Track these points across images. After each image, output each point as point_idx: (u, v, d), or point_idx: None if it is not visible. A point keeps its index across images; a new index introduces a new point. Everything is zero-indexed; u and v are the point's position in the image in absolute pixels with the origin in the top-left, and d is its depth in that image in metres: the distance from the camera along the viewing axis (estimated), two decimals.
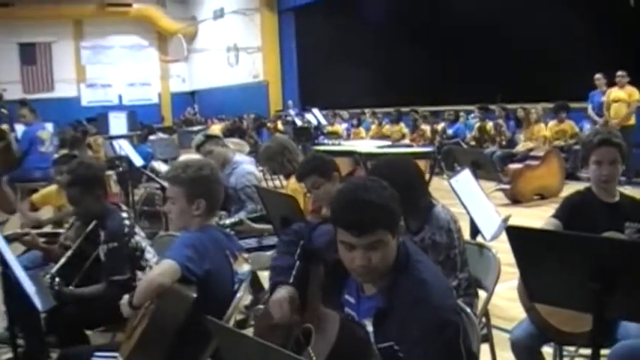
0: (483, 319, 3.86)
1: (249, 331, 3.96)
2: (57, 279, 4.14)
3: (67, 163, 5.53)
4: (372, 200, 2.39)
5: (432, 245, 3.58)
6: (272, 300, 2.80)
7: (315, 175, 4.61)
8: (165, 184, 6.11)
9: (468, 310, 3.07)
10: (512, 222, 3.96)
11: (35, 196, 6.63)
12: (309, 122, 17.83)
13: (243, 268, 3.53)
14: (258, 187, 5.28)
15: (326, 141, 14.68)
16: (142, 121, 21.83)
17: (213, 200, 3.53)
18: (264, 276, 4.89)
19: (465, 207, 4.42)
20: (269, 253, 5.34)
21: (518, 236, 2.39)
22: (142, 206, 8.42)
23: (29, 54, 30.43)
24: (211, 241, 3.39)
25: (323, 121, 17.69)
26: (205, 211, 3.48)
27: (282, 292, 2.80)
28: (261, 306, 3.72)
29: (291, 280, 2.84)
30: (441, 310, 2.37)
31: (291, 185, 5.55)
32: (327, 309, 2.64)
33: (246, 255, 3.67)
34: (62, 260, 4.35)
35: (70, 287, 4.21)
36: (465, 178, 4.65)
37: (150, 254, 4.34)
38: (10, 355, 4.74)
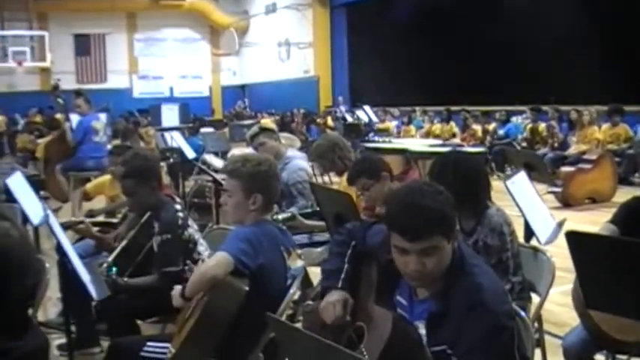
0: (535, 324, 3.82)
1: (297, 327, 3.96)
2: (114, 269, 4.21)
3: (122, 154, 5.61)
4: (427, 206, 2.37)
5: (484, 248, 3.54)
6: (324, 303, 2.80)
7: (363, 178, 4.62)
8: (218, 176, 6.19)
9: (523, 314, 3.04)
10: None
11: (89, 186, 6.74)
12: (359, 119, 17.79)
13: (297, 263, 3.54)
14: (312, 184, 5.29)
15: (376, 138, 14.62)
16: (195, 114, 22.04)
17: (269, 196, 3.55)
18: (314, 272, 4.90)
19: (520, 209, 4.37)
20: (319, 249, 5.35)
21: (578, 241, 2.36)
22: (192, 198, 8.47)
23: (83, 45, 30.89)
24: (266, 235, 3.41)
25: (374, 118, 17.62)
26: (261, 206, 3.51)
27: (335, 295, 2.80)
28: (310, 302, 3.73)
29: (339, 285, 2.84)
30: (497, 315, 2.35)
31: (344, 182, 5.54)
32: (380, 308, 2.64)
33: (299, 251, 3.67)
34: (116, 250, 4.41)
35: (125, 278, 4.26)
36: (520, 180, 4.59)
37: (202, 247, 4.37)
38: (62, 340, 4.86)
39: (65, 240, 3.60)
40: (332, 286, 2.85)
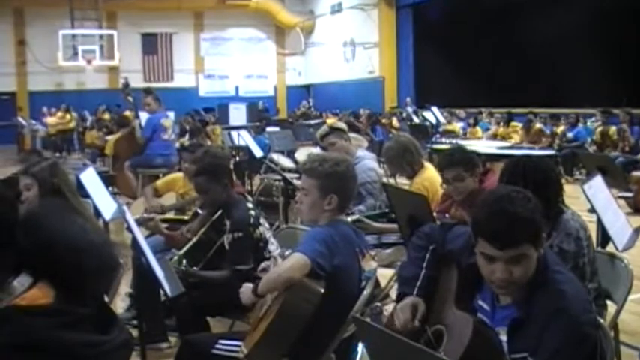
0: (611, 333, 3.73)
1: None
2: (184, 260, 4.26)
3: (194, 151, 5.67)
4: (517, 213, 2.34)
5: (560, 253, 3.47)
6: (397, 308, 2.81)
7: (460, 167, 4.60)
8: (288, 175, 6.22)
9: (604, 322, 2.97)
10: None
11: (159, 183, 6.80)
12: (425, 120, 17.68)
13: (371, 265, 3.53)
14: (385, 184, 5.26)
15: (442, 140, 14.51)
16: (266, 111, 22.05)
17: (345, 197, 3.54)
18: (382, 273, 4.87)
19: (597, 215, 4.27)
20: (388, 250, 5.31)
21: None
22: (259, 197, 8.53)
23: (151, 44, 31.26)
24: (342, 236, 3.40)
25: (442, 119, 17.48)
26: (337, 206, 3.50)
27: (407, 301, 2.81)
28: (378, 304, 3.71)
29: (415, 293, 2.83)
30: (581, 323, 2.30)
31: (415, 185, 5.50)
32: (460, 312, 2.61)
33: (373, 253, 3.66)
34: (188, 245, 4.46)
35: (195, 268, 4.30)
36: (596, 185, 4.50)
37: (273, 245, 4.39)
38: (134, 333, 4.93)
39: (140, 236, 3.66)
40: (407, 293, 2.84)
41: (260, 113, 23.92)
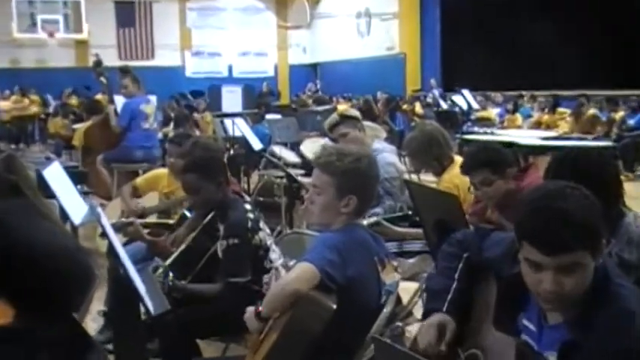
0: None
1: None
2: (170, 273, 4.26)
3: (182, 143, 5.67)
4: (571, 212, 2.29)
5: (620, 264, 3.46)
6: (421, 327, 2.81)
7: (487, 170, 4.57)
8: (293, 171, 6.22)
9: None
10: None
11: (139, 180, 6.79)
12: (454, 105, 17.66)
13: (392, 277, 3.53)
14: (409, 182, 5.25)
15: (475, 129, 14.49)
16: (271, 95, 21.88)
17: (365, 198, 3.55)
18: (404, 287, 4.87)
19: None
20: (411, 260, 5.32)
21: None
22: (258, 196, 8.53)
23: (127, 14, 31.10)
24: (358, 243, 3.41)
25: (474, 105, 17.46)
26: (355, 209, 3.49)
27: (433, 319, 2.80)
28: (399, 323, 3.71)
29: (445, 308, 2.82)
30: None
31: (444, 183, 5.49)
32: (500, 333, 2.60)
33: (395, 263, 3.65)
34: (174, 255, 4.47)
35: (183, 282, 4.31)
36: None
37: (275, 254, 4.37)
38: None
39: (118, 243, 3.67)
40: (436, 309, 2.83)
41: (262, 98, 23.89)
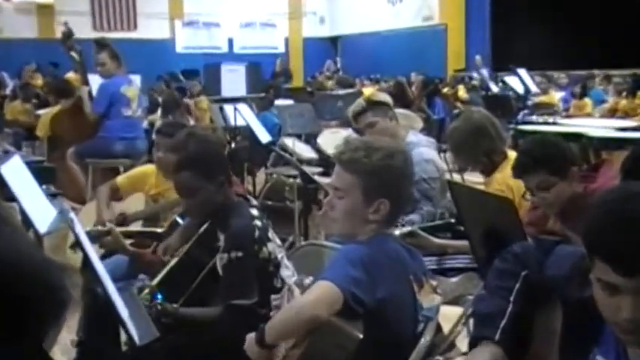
0: None
1: None
2: (159, 296, 4.27)
3: (173, 134, 5.69)
4: None
5: None
6: None
7: (543, 172, 4.54)
8: (308, 169, 6.23)
9: None
10: None
11: (120, 180, 6.78)
12: (507, 88, 17.59)
13: (432, 300, 3.52)
14: (452, 183, 5.25)
15: (534, 117, 14.44)
16: (284, 76, 21.83)
17: (399, 203, 3.56)
18: (446, 314, 4.87)
19: None
20: (454, 279, 5.33)
21: None
22: (265, 200, 8.56)
23: None
24: (389, 258, 3.42)
25: (533, 88, 17.36)
26: (385, 216, 3.51)
27: (482, 351, 2.80)
28: (439, 357, 3.73)
29: (497, 337, 2.82)
30: None
31: (495, 185, 5.49)
32: None
33: (434, 282, 3.65)
34: (164, 271, 4.48)
35: (175, 305, 4.32)
36: None
37: (288, 271, 4.40)
38: None
39: (95, 256, 3.68)
40: (486, 337, 2.83)
41: (275, 80, 23.86)
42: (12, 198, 4.79)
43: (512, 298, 2.89)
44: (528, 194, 4.72)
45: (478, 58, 24.24)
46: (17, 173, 5.11)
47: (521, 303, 2.88)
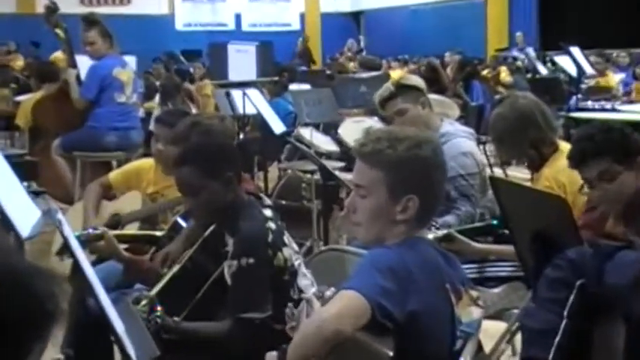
0: None
1: None
2: (159, 307, 4.28)
3: (174, 124, 5.70)
4: None
5: None
6: None
7: (607, 158, 4.52)
8: (328, 164, 6.22)
9: None
10: None
11: (113, 176, 6.79)
12: (556, 69, 17.56)
13: (472, 313, 3.52)
14: (494, 179, 5.25)
15: (589, 103, 14.41)
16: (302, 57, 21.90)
17: (430, 200, 3.54)
18: (487, 329, 4.88)
19: None
20: (497, 290, 5.33)
21: None
22: (279, 199, 8.58)
23: None
24: (422, 265, 3.41)
25: (588, 69, 17.32)
26: (416, 215, 3.49)
27: None
28: None
29: (551, 356, 2.82)
30: None
31: (544, 181, 5.48)
32: None
33: (475, 293, 3.64)
34: (164, 280, 4.49)
35: (176, 318, 4.33)
36: None
37: (306, 280, 4.41)
38: None
39: (86, 263, 3.69)
40: (538, 358, 2.84)
41: (295, 63, 23.88)
42: None
43: (566, 312, 2.89)
44: (586, 187, 4.67)
45: (519, 35, 24.21)
46: None
47: (576, 317, 2.88)
